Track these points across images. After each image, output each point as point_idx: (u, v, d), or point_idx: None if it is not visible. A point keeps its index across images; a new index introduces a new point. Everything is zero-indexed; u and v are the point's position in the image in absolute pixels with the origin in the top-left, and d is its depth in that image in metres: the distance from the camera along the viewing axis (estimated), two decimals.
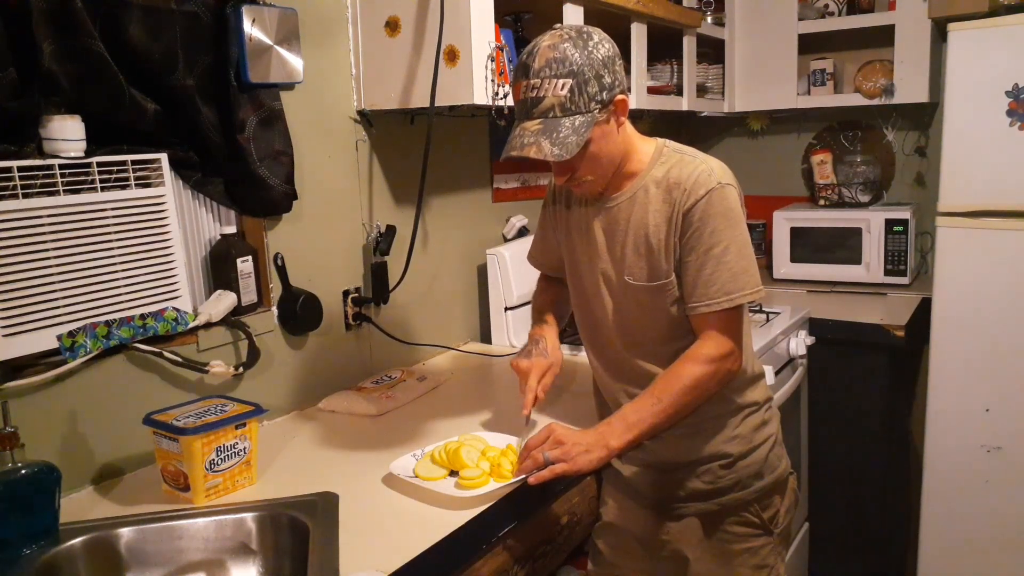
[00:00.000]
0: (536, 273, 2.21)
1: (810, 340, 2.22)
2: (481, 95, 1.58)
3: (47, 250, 1.23)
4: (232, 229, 1.52)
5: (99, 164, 1.29)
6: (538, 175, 2.45)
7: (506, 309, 2.09)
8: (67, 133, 1.22)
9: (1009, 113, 2.02)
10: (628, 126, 1.25)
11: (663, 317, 1.28)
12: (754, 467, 1.32)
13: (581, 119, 1.15)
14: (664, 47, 2.41)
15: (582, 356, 1.98)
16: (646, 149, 1.29)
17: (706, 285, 1.21)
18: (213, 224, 1.53)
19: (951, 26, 2.08)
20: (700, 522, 1.32)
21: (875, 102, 2.59)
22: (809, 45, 2.71)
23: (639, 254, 1.26)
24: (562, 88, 1.14)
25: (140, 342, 1.33)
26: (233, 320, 1.49)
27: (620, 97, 1.20)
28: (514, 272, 2.07)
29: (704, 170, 1.22)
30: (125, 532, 1.12)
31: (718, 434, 1.31)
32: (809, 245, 2.71)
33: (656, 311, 1.28)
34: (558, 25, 1.22)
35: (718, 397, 1.29)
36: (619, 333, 1.33)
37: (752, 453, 1.32)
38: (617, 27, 2.16)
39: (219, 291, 1.49)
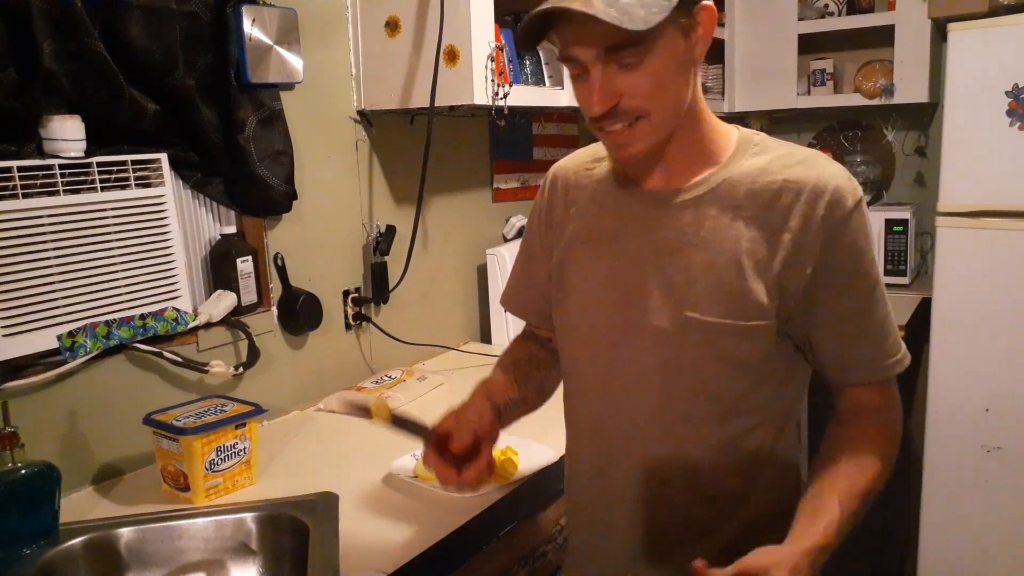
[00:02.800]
0: None
1: None
2: (481, 95, 1.58)
3: (47, 250, 1.23)
4: (232, 229, 1.52)
5: (99, 164, 1.29)
6: (538, 175, 2.45)
7: (506, 310, 2.08)
8: (67, 133, 1.22)
9: (1009, 113, 2.02)
10: (700, 87, 0.90)
11: (740, 377, 0.89)
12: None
13: (655, 1, 0.78)
14: None
15: None
16: (726, 131, 0.93)
17: (880, 338, 0.88)
18: (213, 224, 1.53)
19: (951, 26, 2.07)
20: None
21: (875, 102, 2.59)
22: (809, 45, 2.71)
23: (718, 280, 0.86)
24: None
25: (140, 342, 1.33)
26: (233, 320, 1.49)
27: (707, 3, 0.83)
28: None
29: (843, 174, 0.87)
30: (125, 532, 1.12)
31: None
32: None
33: (729, 371, 0.88)
34: None
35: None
36: (659, 402, 0.91)
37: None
38: None
39: (219, 291, 1.49)
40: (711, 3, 0.83)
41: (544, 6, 0.80)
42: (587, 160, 1.03)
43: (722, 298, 0.86)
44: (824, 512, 0.84)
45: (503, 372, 1.08)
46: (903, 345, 0.91)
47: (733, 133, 0.93)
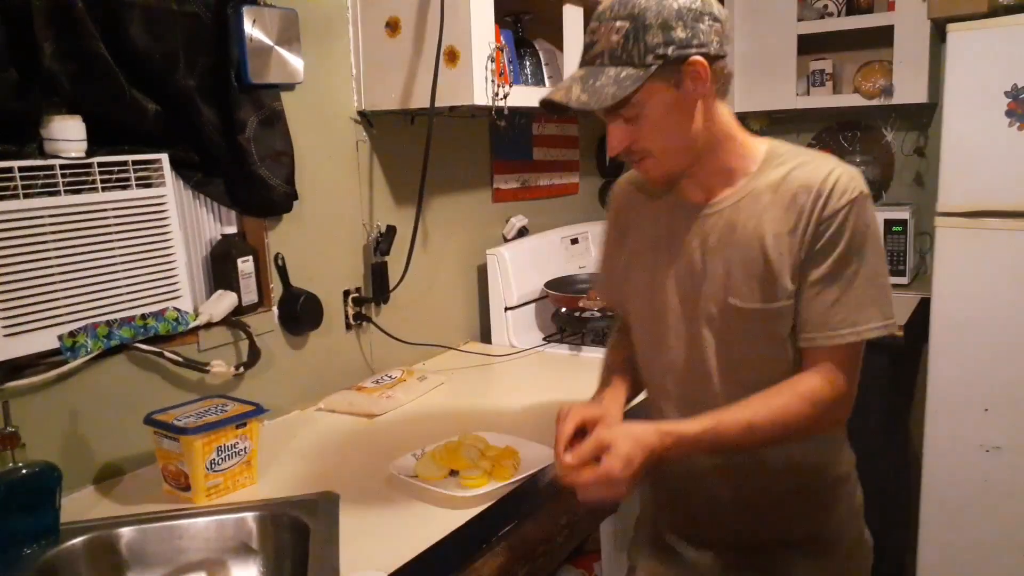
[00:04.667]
0: (532, 272, 2.21)
1: None
2: (481, 95, 1.58)
3: (48, 250, 1.23)
4: (233, 229, 1.52)
5: (100, 164, 1.29)
6: (538, 175, 2.46)
7: (506, 309, 2.09)
8: (68, 133, 1.22)
9: (1008, 113, 2.02)
10: (726, 112, 1.07)
11: (780, 350, 1.07)
12: (843, 552, 1.17)
13: (630, 71, 0.96)
14: None
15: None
16: (755, 147, 1.09)
17: (829, 313, 1.02)
18: (214, 224, 1.54)
19: (950, 26, 2.08)
20: None
21: (874, 102, 2.59)
22: (808, 46, 2.71)
23: (750, 272, 1.04)
24: (616, 32, 0.96)
25: (141, 342, 1.33)
26: (234, 320, 1.50)
27: (695, 58, 0.97)
28: (514, 272, 2.08)
29: (844, 173, 1.02)
30: (126, 532, 1.13)
31: (812, 512, 1.15)
32: None
33: (771, 342, 1.06)
34: None
35: (811, 466, 1.14)
36: (720, 377, 1.09)
37: (848, 541, 1.17)
38: None
39: (220, 291, 1.49)
40: (699, 58, 0.97)
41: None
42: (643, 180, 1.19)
43: (754, 287, 1.04)
44: (715, 418, 1.01)
45: (622, 372, 1.24)
46: (849, 327, 1.01)
47: (761, 148, 1.09)
